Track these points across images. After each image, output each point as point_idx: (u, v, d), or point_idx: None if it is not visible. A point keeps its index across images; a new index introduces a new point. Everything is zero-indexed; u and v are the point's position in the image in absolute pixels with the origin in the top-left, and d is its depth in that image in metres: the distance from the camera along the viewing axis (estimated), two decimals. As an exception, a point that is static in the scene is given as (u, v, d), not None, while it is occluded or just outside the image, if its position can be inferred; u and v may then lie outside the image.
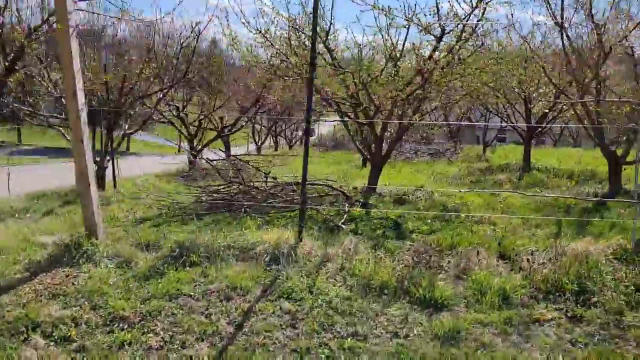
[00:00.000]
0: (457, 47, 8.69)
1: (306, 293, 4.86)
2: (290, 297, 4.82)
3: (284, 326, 4.41)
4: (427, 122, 18.73)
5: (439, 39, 9.04)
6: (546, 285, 4.91)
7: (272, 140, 41.77)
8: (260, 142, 35.65)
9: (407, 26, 9.00)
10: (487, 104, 17.38)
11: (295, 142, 43.86)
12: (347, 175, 13.95)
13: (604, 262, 5.29)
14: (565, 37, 10.24)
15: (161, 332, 4.32)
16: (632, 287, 4.84)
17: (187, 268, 5.33)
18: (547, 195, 8.61)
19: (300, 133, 40.82)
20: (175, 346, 4.15)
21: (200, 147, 18.30)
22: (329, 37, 9.11)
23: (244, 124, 21.78)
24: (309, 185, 9.99)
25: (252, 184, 9.12)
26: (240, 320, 4.47)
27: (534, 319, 4.47)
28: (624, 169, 10.69)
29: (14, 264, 5.44)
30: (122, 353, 4.06)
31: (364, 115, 10.02)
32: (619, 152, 10.70)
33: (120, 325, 4.38)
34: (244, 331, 4.34)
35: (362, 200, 9.27)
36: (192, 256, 5.48)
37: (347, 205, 8.09)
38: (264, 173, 10.01)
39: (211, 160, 11.86)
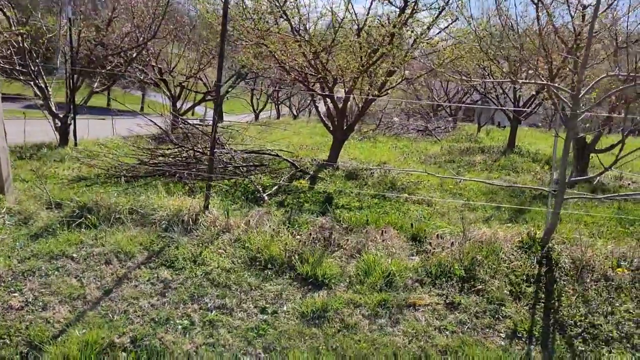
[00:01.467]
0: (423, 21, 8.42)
1: (189, 262, 4.77)
2: (172, 265, 4.73)
3: (153, 295, 4.32)
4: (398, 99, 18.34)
5: (402, 10, 8.75)
6: (438, 269, 4.76)
7: (274, 108, 41.36)
8: (258, 110, 35.36)
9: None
10: (473, 84, 16.94)
11: (301, 112, 43.28)
12: (320, 147, 13.76)
13: (507, 250, 5.11)
14: (540, 13, 9.80)
15: (28, 293, 4.26)
16: (523, 277, 4.68)
17: (83, 230, 5.26)
18: (489, 182, 8.36)
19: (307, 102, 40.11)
20: (36, 307, 4.09)
21: (182, 110, 18.14)
22: (287, 3, 8.81)
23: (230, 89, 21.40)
24: (262, 155, 9.89)
25: (201, 150, 8.96)
26: (112, 286, 4.39)
27: (410, 303, 4.34)
28: (591, 157, 10.39)
29: None
30: (-22, 310, 4.01)
31: (324, 86, 9.79)
32: (589, 138, 10.38)
33: (-10, 282, 4.33)
34: (111, 297, 4.26)
35: (311, 172, 9.11)
36: (90, 218, 5.39)
37: (283, 177, 7.93)
38: (221, 142, 9.84)
39: (187, 124, 11.67)
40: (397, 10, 8.97)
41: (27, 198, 6.13)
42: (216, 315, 4.11)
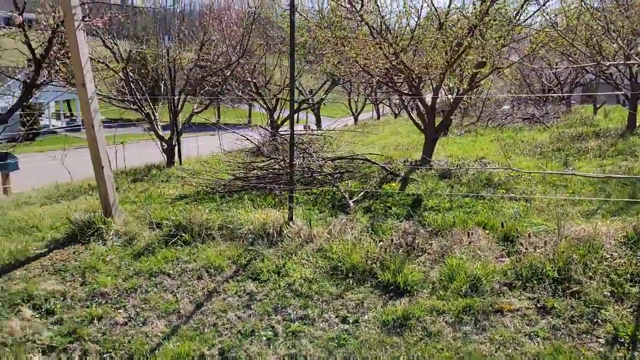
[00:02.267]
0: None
1: (273, 274, 4.91)
2: (257, 278, 4.90)
3: (239, 307, 4.51)
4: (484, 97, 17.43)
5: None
6: (529, 271, 4.47)
7: (374, 109, 41.32)
8: (357, 112, 35.47)
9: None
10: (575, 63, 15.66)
11: (402, 110, 42.78)
12: (416, 146, 13.52)
13: (609, 246, 4.67)
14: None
15: (131, 309, 4.64)
16: (626, 277, 4.24)
17: (178, 247, 5.62)
18: (587, 175, 7.69)
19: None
20: (137, 322, 4.44)
21: (280, 120, 18.72)
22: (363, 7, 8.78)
23: (324, 95, 21.76)
24: (353, 160, 9.92)
25: (293, 161, 9.18)
26: (202, 300, 4.65)
27: (497, 308, 4.12)
28: None
29: (40, 241, 6.09)
30: (90, 327, 4.43)
31: (411, 85, 9.62)
32: None
33: (98, 300, 4.78)
34: (202, 310, 4.52)
35: (402, 174, 8.98)
36: (185, 235, 5.75)
37: (371, 182, 7.89)
38: (311, 151, 10.02)
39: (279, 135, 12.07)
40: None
41: (134, 219, 6.67)
42: (298, 326, 4.20)
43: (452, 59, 8.62)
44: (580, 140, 14.45)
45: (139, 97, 11.72)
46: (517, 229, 5.34)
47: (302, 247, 5.35)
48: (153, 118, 12.11)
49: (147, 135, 12.82)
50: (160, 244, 5.69)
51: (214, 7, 16.86)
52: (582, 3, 7.30)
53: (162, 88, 12.78)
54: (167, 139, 12.17)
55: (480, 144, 13.96)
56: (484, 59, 9.13)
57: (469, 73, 9.50)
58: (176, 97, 12.16)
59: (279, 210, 6.13)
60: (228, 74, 13.53)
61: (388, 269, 4.70)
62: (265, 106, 18.57)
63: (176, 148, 12.23)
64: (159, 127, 12.29)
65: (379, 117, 40.53)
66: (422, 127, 10.44)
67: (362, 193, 7.27)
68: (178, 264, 5.25)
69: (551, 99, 25.68)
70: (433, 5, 8.87)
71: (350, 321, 4.20)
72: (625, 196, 6.67)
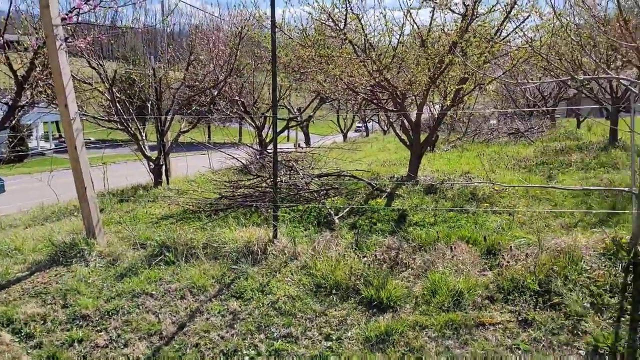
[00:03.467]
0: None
1: (257, 292, 4.90)
2: (241, 296, 4.88)
3: (223, 326, 4.48)
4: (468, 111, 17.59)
5: (463, 16, 8.52)
6: (510, 284, 4.50)
7: (363, 126, 41.59)
8: (346, 129, 35.68)
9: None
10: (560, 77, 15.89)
11: (390, 128, 43.07)
12: (403, 162, 13.59)
13: (588, 258, 4.71)
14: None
15: (112, 331, 4.59)
16: (605, 288, 4.28)
17: (162, 267, 5.59)
18: (566, 188, 7.80)
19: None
20: (119, 345, 4.40)
21: (268, 139, 18.77)
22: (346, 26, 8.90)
23: (312, 113, 21.88)
24: (340, 177, 9.96)
25: (278, 179, 9.20)
26: (185, 320, 4.62)
27: (480, 322, 4.13)
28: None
29: (22, 264, 6.04)
30: (70, 350, 4.38)
31: (394, 102, 9.72)
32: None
33: (80, 323, 4.73)
34: (184, 331, 4.48)
35: (389, 190, 9.02)
36: (169, 255, 5.72)
37: (356, 198, 7.92)
38: (298, 168, 10.05)
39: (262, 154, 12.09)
40: (460, 17, 8.73)
41: (118, 240, 6.63)
42: (282, 344, 4.18)
43: (435, 76, 8.74)
44: (564, 154, 14.62)
45: (125, 117, 11.73)
46: (499, 243, 5.37)
47: (287, 265, 5.34)
48: (140, 138, 12.11)
49: (136, 156, 12.80)
50: (144, 264, 5.66)
51: (203, 28, 17.01)
52: (558, 20, 7.46)
53: (149, 108, 12.79)
54: (154, 159, 12.15)
55: (466, 159, 14.07)
56: (467, 75, 9.27)
57: (452, 89, 9.64)
58: (163, 117, 12.17)
59: (264, 228, 6.13)
60: (216, 93, 13.57)
61: (371, 284, 4.71)
62: (253, 124, 18.65)
63: (163, 168, 12.20)
64: (146, 147, 12.27)
65: (367, 134, 40.79)
66: (408, 143, 10.53)
67: (347, 209, 7.29)
68: (161, 284, 5.22)
69: (536, 113, 26.01)
70: (415, 23, 9.02)
71: (334, 338, 4.19)
72: (606, 208, 6.75)
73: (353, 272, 4.97)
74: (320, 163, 12.89)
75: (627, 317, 3.98)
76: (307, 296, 4.77)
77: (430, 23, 8.90)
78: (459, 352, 3.87)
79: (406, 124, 10.48)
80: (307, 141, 26.76)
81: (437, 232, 5.89)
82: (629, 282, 4.33)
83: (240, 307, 4.71)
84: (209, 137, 32.34)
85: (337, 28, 8.88)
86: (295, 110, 24.65)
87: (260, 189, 8.78)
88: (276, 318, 4.50)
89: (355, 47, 9.08)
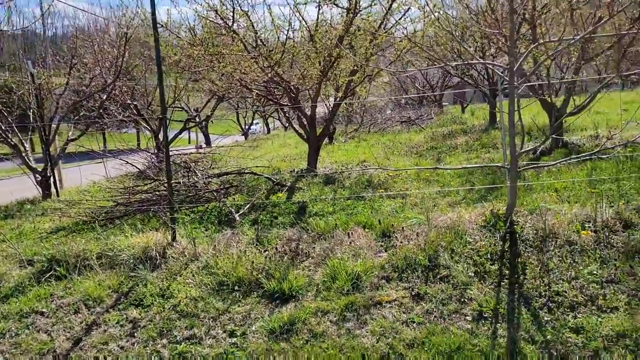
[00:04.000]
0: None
1: (157, 298, 4.79)
2: (140, 304, 4.75)
3: (122, 337, 4.34)
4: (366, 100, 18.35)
5: (348, 11, 8.80)
6: (404, 262, 4.76)
7: (264, 123, 41.48)
8: (247, 127, 35.45)
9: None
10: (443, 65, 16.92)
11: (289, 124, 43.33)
12: (304, 156, 13.78)
13: (471, 231, 5.10)
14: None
15: (-1, 355, 4.29)
16: (487, 257, 4.67)
17: (53, 282, 5.28)
18: (449, 168, 8.36)
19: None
20: (8, 368, 4.12)
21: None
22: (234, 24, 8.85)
23: (209, 113, 21.53)
24: (241, 174, 9.92)
25: (173, 182, 8.99)
26: (81, 335, 4.41)
27: (377, 301, 4.34)
28: (565, 121, 10.36)
29: None
30: (-48, 381, 4.04)
31: (288, 97, 9.83)
32: (558, 102, 10.34)
33: (-39, 351, 4.36)
34: (81, 346, 4.28)
35: (289, 184, 9.13)
36: (59, 269, 5.42)
37: (257, 194, 7.95)
38: (196, 169, 9.87)
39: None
40: (345, 11, 9.00)
41: (2, 259, 6.17)
42: (185, 346, 4.13)
43: (326, 69, 8.96)
44: (451, 138, 15.58)
45: (3, 128, 10.87)
46: (392, 225, 5.65)
47: (187, 267, 5.26)
48: (23, 150, 11.28)
49: (21, 169, 11.91)
50: (32, 281, 5.32)
51: (88, 30, 16.07)
52: (432, 13, 7.94)
53: (31, 117, 11.92)
54: (40, 170, 11.37)
55: (362, 149, 14.55)
56: (356, 68, 9.59)
57: (343, 82, 9.94)
58: (47, 125, 11.41)
59: (162, 232, 5.99)
60: (105, 97, 12.93)
61: (273, 277, 4.77)
62: (149, 128, 18.01)
63: (52, 179, 11.45)
64: (31, 158, 11.46)
65: (268, 132, 40.74)
66: (305, 137, 10.71)
67: (248, 206, 7.29)
68: (52, 301, 4.94)
69: (425, 102, 27.46)
70: (303, 19, 9.18)
71: (238, 334, 4.21)
72: (486, 184, 7.31)
73: (255, 267, 5.00)
74: (221, 162, 12.77)
75: (506, 281, 4.37)
76: (210, 295, 4.74)
77: (317, 18, 9.10)
78: (358, 332, 4.04)
79: (302, 118, 10.66)
80: (208, 142, 26.28)
81: (335, 220, 6.07)
82: (506, 249, 4.75)
83: (140, 314, 4.58)
84: (105, 144, 30.74)
85: (226, 25, 8.82)
86: (192, 111, 24.08)
87: (158, 192, 8.53)
88: (178, 321, 4.44)
89: (246, 43, 9.07)
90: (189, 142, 33.05)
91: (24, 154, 11.28)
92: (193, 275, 5.07)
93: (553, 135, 9.30)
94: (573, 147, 9.65)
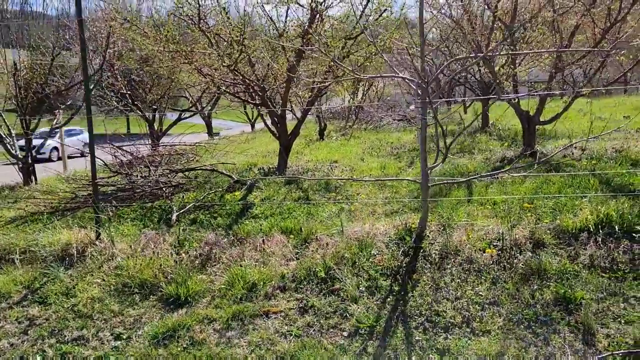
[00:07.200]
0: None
1: (61, 296, 4.88)
2: (44, 301, 4.85)
3: (16, 334, 4.44)
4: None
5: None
6: (304, 273, 4.76)
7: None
8: (253, 119, 35.46)
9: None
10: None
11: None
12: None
13: (380, 244, 5.07)
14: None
15: None
16: (383, 272, 4.64)
17: (-32, 276, 5.41)
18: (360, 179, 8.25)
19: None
20: None
21: (161, 131, 18.38)
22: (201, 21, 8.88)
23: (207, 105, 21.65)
24: (205, 171, 9.98)
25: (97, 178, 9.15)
26: (-22, 330, 4.52)
27: (265, 311, 4.36)
28: (538, 129, 10.18)
29: None
30: None
31: (256, 96, 9.85)
32: (532, 110, 10.16)
33: None
34: (-26, 341, 4.39)
35: (249, 182, 9.16)
36: (-22, 263, 5.55)
37: (211, 191, 8.01)
38: (156, 164, 9.96)
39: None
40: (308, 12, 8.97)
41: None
42: (71, 347, 4.21)
43: (293, 68, 8.94)
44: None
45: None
46: (314, 232, 5.64)
47: (102, 266, 5.34)
48: (3, 137, 11.52)
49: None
50: (-51, 275, 5.46)
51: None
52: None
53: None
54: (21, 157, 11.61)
55: (349, 148, 14.50)
56: (328, 70, 9.58)
57: (317, 82, 9.90)
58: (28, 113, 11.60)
59: (90, 230, 6.07)
60: (92, 87, 13.07)
61: (175, 281, 4.82)
62: (143, 118, 18.21)
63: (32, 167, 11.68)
64: (13, 145, 11.69)
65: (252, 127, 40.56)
66: (277, 135, 10.73)
67: (190, 205, 7.34)
68: (-37, 295, 5.06)
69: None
70: (270, 18, 9.19)
71: (124, 337, 4.27)
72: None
73: (162, 270, 5.06)
74: (205, 156, 12.91)
75: (393, 297, 4.34)
76: (110, 297, 4.82)
77: (286, 15, 9.12)
78: (237, 341, 4.07)
79: (275, 117, 10.68)
80: (210, 132, 26.45)
81: (260, 225, 6.09)
82: (404, 265, 4.71)
83: (39, 312, 4.68)
84: (90, 130, 31.02)
85: (192, 22, 8.85)
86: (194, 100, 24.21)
87: (122, 186, 8.67)
88: (72, 321, 4.52)
89: (213, 41, 9.10)
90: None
91: (6, 142, 11.51)
92: (105, 275, 5.15)
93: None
94: (541, 156, 9.47)
